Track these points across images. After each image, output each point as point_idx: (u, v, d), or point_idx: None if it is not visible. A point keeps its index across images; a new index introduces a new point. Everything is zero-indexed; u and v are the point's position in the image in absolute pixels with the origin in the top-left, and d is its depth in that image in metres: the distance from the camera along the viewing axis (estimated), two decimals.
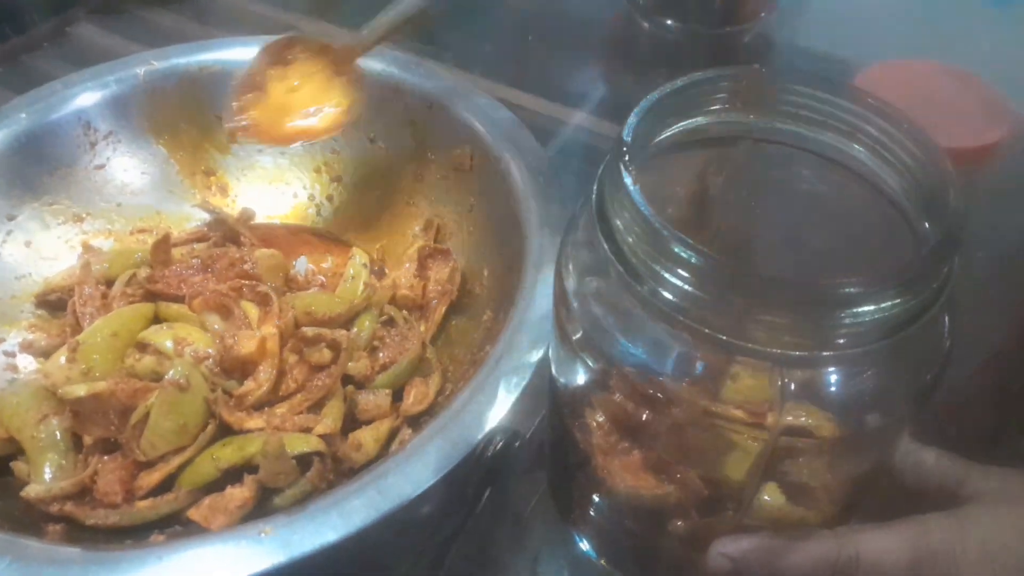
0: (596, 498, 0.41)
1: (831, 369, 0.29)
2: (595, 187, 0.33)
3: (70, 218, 0.58)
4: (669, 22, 0.76)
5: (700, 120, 0.34)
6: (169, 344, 0.44)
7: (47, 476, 0.43)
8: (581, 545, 0.44)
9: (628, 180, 0.30)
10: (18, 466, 0.44)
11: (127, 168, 0.61)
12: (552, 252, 0.46)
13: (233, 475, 0.41)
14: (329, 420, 0.42)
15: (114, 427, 0.41)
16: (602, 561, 0.44)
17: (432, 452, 0.38)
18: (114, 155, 0.60)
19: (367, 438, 0.43)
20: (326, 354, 0.44)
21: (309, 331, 0.44)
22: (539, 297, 0.44)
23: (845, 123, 0.32)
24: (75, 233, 0.58)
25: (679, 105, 0.33)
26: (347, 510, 0.36)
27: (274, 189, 0.63)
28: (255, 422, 0.42)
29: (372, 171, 0.62)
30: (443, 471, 0.38)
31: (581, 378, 0.37)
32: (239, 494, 0.39)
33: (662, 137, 0.34)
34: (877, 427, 0.31)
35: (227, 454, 0.41)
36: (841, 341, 0.27)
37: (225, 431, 0.43)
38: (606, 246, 0.31)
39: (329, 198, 0.63)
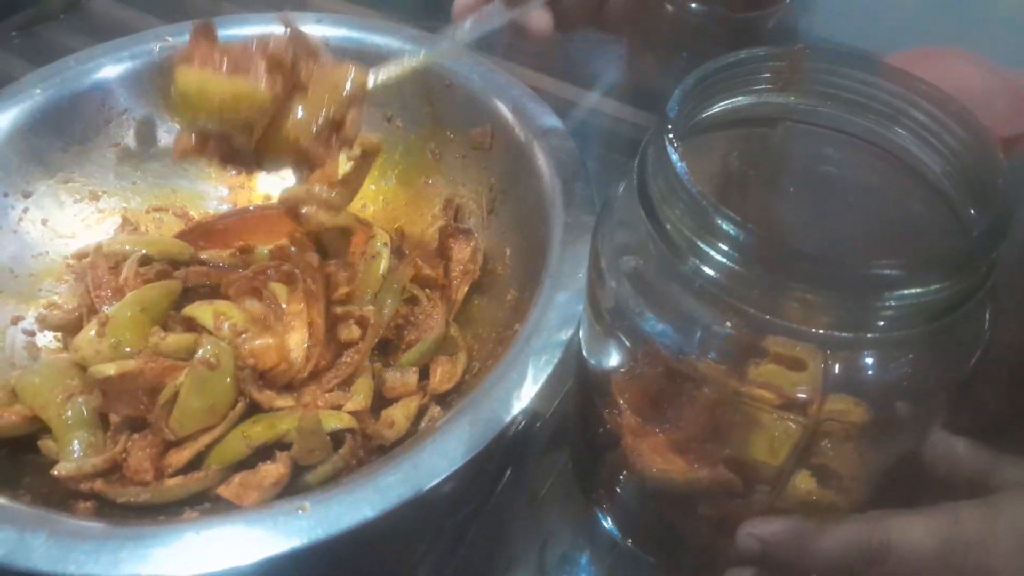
0: (623, 478, 0.41)
1: (872, 352, 0.29)
2: (636, 163, 0.33)
3: (86, 196, 0.58)
4: (693, 5, 0.75)
5: (741, 100, 0.34)
6: (210, 319, 0.44)
7: (76, 454, 0.43)
8: (604, 524, 0.45)
9: (674, 155, 0.29)
10: (46, 444, 0.44)
11: (143, 145, 0.60)
12: (577, 231, 0.47)
13: (262, 453, 0.41)
14: (360, 397, 0.43)
15: (143, 406, 0.41)
16: (628, 541, 0.44)
17: (464, 430, 0.38)
18: (129, 132, 0.59)
19: (399, 415, 0.43)
20: (355, 331, 0.44)
21: (338, 309, 0.44)
22: (566, 276, 0.44)
23: (889, 106, 0.32)
24: (91, 211, 0.58)
25: (722, 84, 0.33)
26: (383, 486, 0.36)
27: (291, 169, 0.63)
28: (284, 401, 0.42)
29: (390, 150, 0.61)
30: (475, 450, 0.38)
31: (613, 358, 0.37)
32: (274, 470, 0.39)
33: (704, 116, 0.33)
34: (915, 413, 0.31)
35: (258, 432, 0.41)
36: (885, 324, 0.27)
37: (254, 409, 0.43)
38: (647, 221, 0.31)
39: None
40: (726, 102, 0.34)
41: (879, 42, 0.60)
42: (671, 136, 0.30)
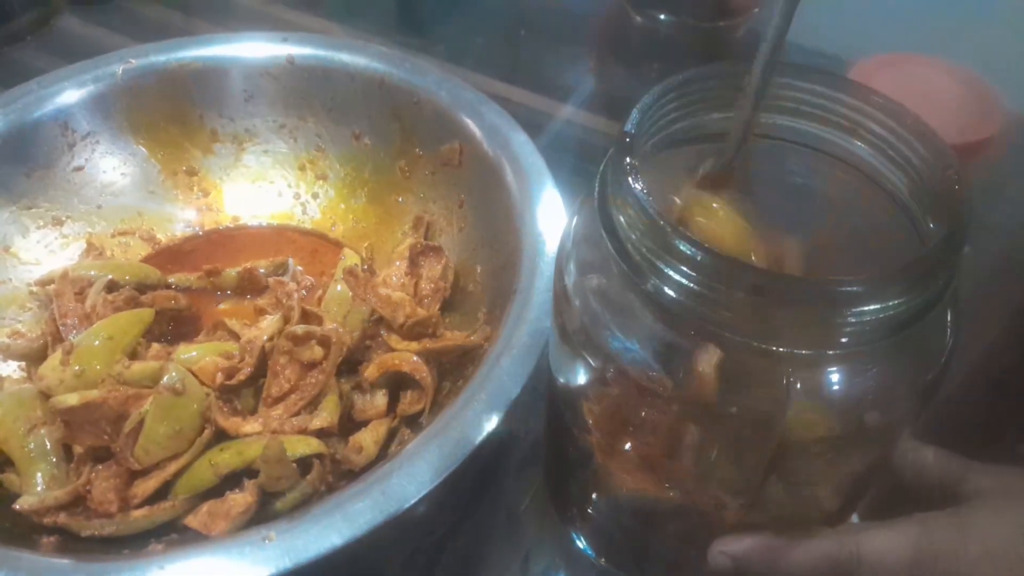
0: (595, 497, 0.41)
1: (835, 367, 0.29)
2: (597, 182, 0.33)
3: (49, 221, 0.57)
4: (661, 16, 0.76)
5: (701, 116, 0.34)
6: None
7: (39, 487, 0.42)
8: (578, 543, 0.44)
9: (631, 175, 0.29)
10: (8, 478, 0.43)
11: (107, 169, 0.59)
12: (547, 248, 0.46)
13: (231, 480, 0.41)
14: (325, 414, 0.42)
15: (107, 436, 0.40)
16: (601, 560, 0.44)
17: (434, 453, 0.38)
18: (93, 156, 0.59)
19: (367, 440, 0.42)
20: (317, 351, 0.43)
21: (299, 329, 0.44)
22: (537, 294, 0.44)
23: (847, 119, 0.32)
24: (55, 237, 0.57)
25: (681, 100, 0.33)
26: (351, 513, 0.36)
27: (258, 188, 0.62)
28: (251, 426, 0.41)
29: (358, 168, 0.61)
30: (446, 472, 0.37)
31: (581, 376, 0.37)
32: (242, 499, 0.38)
33: (663, 133, 0.33)
34: (881, 425, 0.30)
35: (226, 459, 0.40)
36: (846, 339, 0.27)
37: (222, 436, 0.42)
38: (608, 242, 0.31)
39: (315, 196, 0.62)
40: (686, 119, 0.34)
41: (847, 48, 0.60)
42: (628, 156, 0.30)
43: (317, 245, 0.60)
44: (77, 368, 0.44)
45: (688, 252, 0.27)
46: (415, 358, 0.46)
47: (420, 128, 0.58)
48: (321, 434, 0.42)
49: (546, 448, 0.46)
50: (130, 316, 0.48)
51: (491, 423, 0.39)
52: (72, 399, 0.39)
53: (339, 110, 0.61)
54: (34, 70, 0.58)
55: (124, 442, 0.40)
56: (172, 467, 0.40)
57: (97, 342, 0.45)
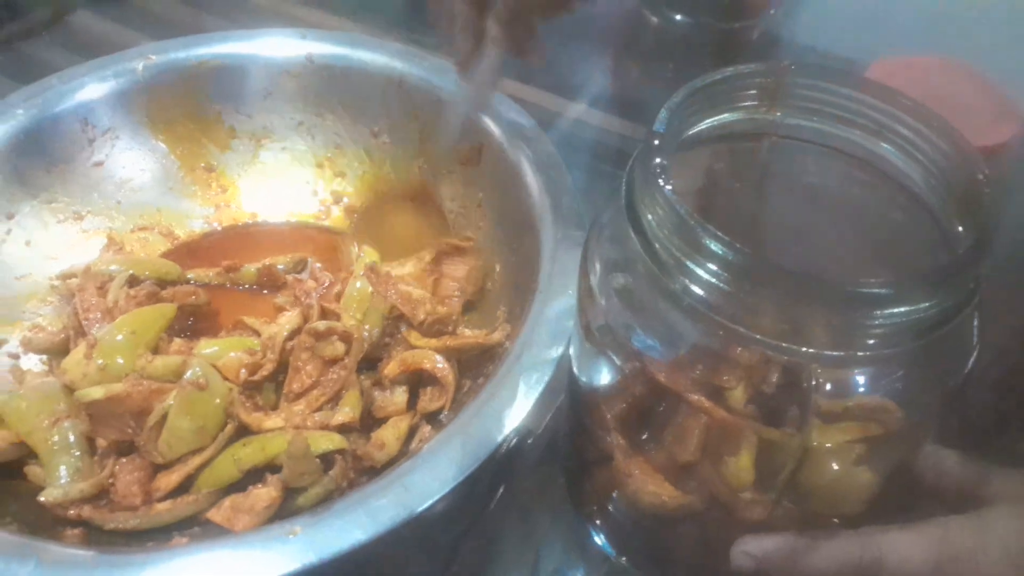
0: (614, 496, 0.41)
1: (862, 370, 0.29)
2: (624, 181, 0.33)
3: (69, 216, 0.57)
4: (677, 17, 0.75)
5: (728, 116, 0.34)
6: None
7: (63, 480, 0.42)
8: (597, 540, 0.45)
9: (661, 175, 0.29)
10: (32, 470, 0.43)
11: (126, 165, 0.60)
12: (565, 246, 0.46)
13: (253, 475, 0.41)
14: (348, 409, 0.42)
15: (131, 430, 0.41)
16: (622, 559, 0.44)
17: (456, 450, 0.38)
18: (113, 151, 0.59)
19: (389, 437, 0.43)
20: (339, 347, 0.44)
21: (321, 325, 0.44)
22: (556, 292, 0.44)
23: (873, 121, 0.32)
24: (75, 232, 0.57)
25: (708, 100, 0.33)
26: (374, 509, 0.36)
27: (276, 185, 0.63)
28: (273, 421, 0.41)
29: (378, 166, 0.61)
30: (468, 470, 0.38)
31: (604, 375, 0.37)
32: (266, 494, 0.39)
33: (691, 132, 0.33)
34: (906, 428, 0.30)
35: (248, 454, 0.40)
36: (874, 342, 0.27)
37: (244, 431, 0.43)
38: (636, 241, 0.31)
39: (333, 194, 0.62)
40: (713, 118, 0.34)
41: (863, 50, 0.60)
42: (658, 155, 0.30)
43: (335, 242, 0.60)
44: (100, 362, 0.44)
45: (719, 251, 0.27)
46: (437, 356, 0.46)
47: (439, 127, 0.58)
48: (343, 429, 0.43)
49: (566, 446, 0.46)
50: (152, 311, 0.48)
51: (512, 421, 0.39)
52: (97, 392, 0.40)
53: (357, 108, 0.61)
54: (48, 65, 0.58)
55: (148, 436, 0.40)
56: (195, 461, 0.41)
57: (120, 337, 0.46)
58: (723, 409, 0.31)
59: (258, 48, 0.61)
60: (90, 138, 0.58)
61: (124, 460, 0.41)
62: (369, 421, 0.45)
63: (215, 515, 0.39)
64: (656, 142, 0.31)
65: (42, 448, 0.43)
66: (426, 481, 0.37)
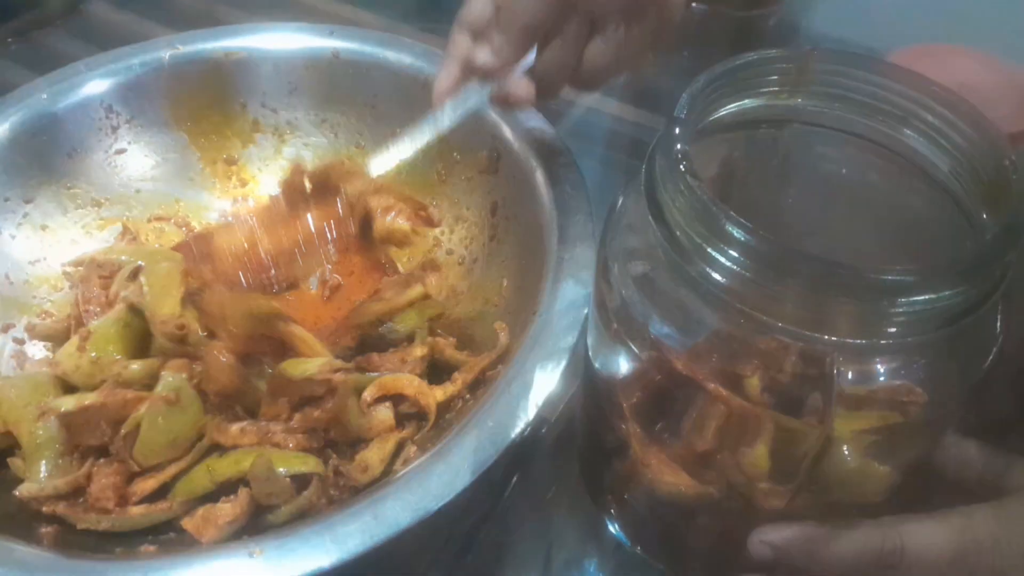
0: (631, 485, 0.40)
1: (884, 358, 0.28)
2: (644, 168, 0.32)
3: (88, 202, 0.57)
4: (694, 4, 0.74)
5: (749, 102, 0.33)
6: None
7: (42, 475, 0.41)
8: (611, 529, 0.44)
9: (682, 160, 0.29)
10: (15, 462, 0.43)
11: (148, 154, 0.59)
12: (573, 267, 0.44)
13: (230, 487, 0.40)
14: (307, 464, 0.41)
15: (107, 437, 0.40)
16: (637, 548, 0.43)
17: (469, 448, 0.37)
18: (135, 140, 0.59)
19: (373, 459, 0.41)
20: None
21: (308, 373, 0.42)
22: (569, 281, 0.43)
23: (898, 108, 0.31)
24: (92, 218, 0.57)
25: (730, 86, 0.32)
26: (340, 535, 0.35)
27: None
28: (248, 438, 0.40)
29: (396, 167, 0.60)
30: (483, 466, 0.37)
31: (622, 364, 0.36)
32: (229, 509, 0.38)
33: (712, 118, 0.33)
34: (928, 417, 0.30)
35: (222, 467, 0.39)
36: (898, 330, 0.27)
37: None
38: (656, 228, 0.30)
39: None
40: (734, 104, 0.33)
41: (881, 39, 0.58)
42: (679, 142, 0.29)
43: (348, 243, 0.59)
44: (93, 355, 0.44)
45: (741, 237, 0.27)
46: (417, 381, 0.45)
47: (460, 132, 0.56)
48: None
49: (582, 435, 0.45)
50: None
51: (527, 414, 0.38)
52: (69, 403, 0.39)
53: (381, 107, 0.60)
54: (63, 55, 0.59)
55: (122, 444, 0.39)
56: (171, 469, 0.40)
57: (114, 329, 0.45)
58: (742, 398, 0.30)
59: (285, 42, 0.60)
60: (113, 126, 0.58)
61: (101, 462, 0.41)
62: (352, 438, 0.44)
63: (188, 523, 0.38)
64: (677, 128, 0.30)
65: (26, 440, 0.42)
66: (396, 510, 0.36)
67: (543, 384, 0.39)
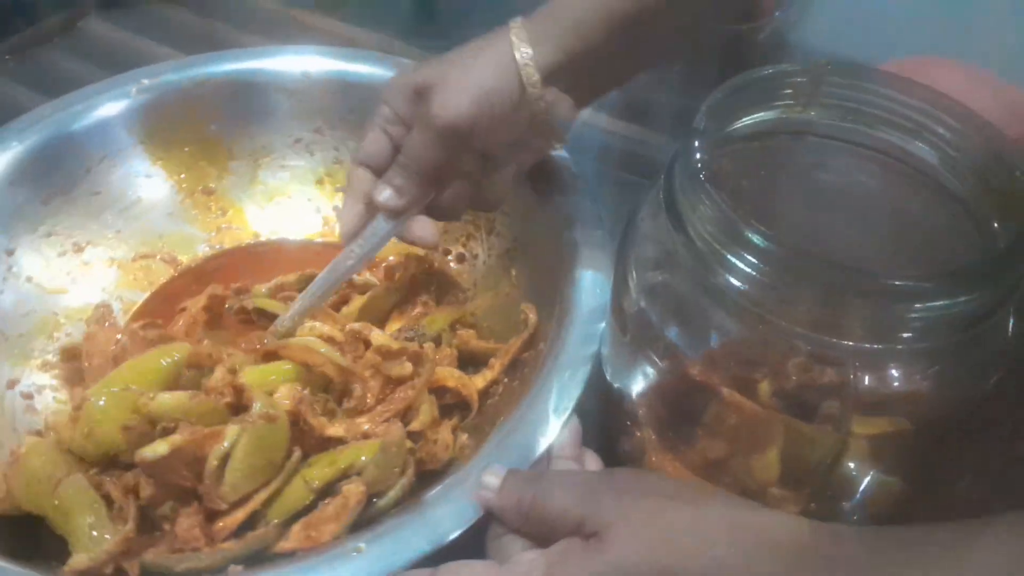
0: None
1: (900, 364, 0.29)
2: (664, 178, 0.33)
3: (70, 248, 0.56)
4: None
5: (764, 115, 0.35)
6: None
7: (88, 542, 0.38)
8: None
9: (702, 171, 0.30)
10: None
11: (124, 192, 0.58)
12: (586, 246, 0.47)
13: (321, 496, 0.40)
14: (425, 416, 0.43)
15: (187, 480, 0.39)
16: None
17: (509, 455, 0.38)
18: (110, 179, 0.58)
19: (448, 438, 0.43)
20: (407, 367, 0.43)
21: (394, 344, 0.44)
22: (586, 294, 0.44)
23: (910, 120, 0.33)
24: (76, 264, 0.56)
25: (746, 99, 0.34)
26: (432, 520, 0.36)
27: (277, 204, 0.62)
28: (335, 429, 0.41)
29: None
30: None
31: (638, 372, 0.37)
32: (355, 490, 0.38)
33: (728, 130, 0.34)
34: (939, 423, 0.31)
35: (319, 472, 0.39)
36: (913, 335, 0.28)
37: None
38: (675, 237, 0.31)
39: (336, 209, 0.62)
40: (750, 117, 0.34)
41: (871, 52, 0.61)
42: (699, 152, 0.31)
43: None
44: (86, 429, 0.40)
45: (761, 245, 0.28)
46: (457, 373, 0.47)
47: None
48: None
49: (594, 445, 0.46)
50: (156, 356, 0.43)
51: (557, 424, 0.39)
52: (161, 448, 0.37)
53: (357, 122, 0.60)
54: (60, 71, 0.57)
55: (211, 481, 0.38)
56: (261, 496, 0.39)
57: (102, 401, 0.40)
58: (758, 404, 0.31)
59: (254, 67, 0.60)
60: (86, 167, 0.57)
61: (180, 508, 0.39)
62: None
63: (287, 545, 0.38)
64: (697, 140, 0.31)
65: (53, 514, 0.39)
66: (518, 456, 0.38)
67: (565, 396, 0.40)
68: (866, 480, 0.35)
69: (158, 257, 0.59)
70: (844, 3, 0.74)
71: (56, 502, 0.39)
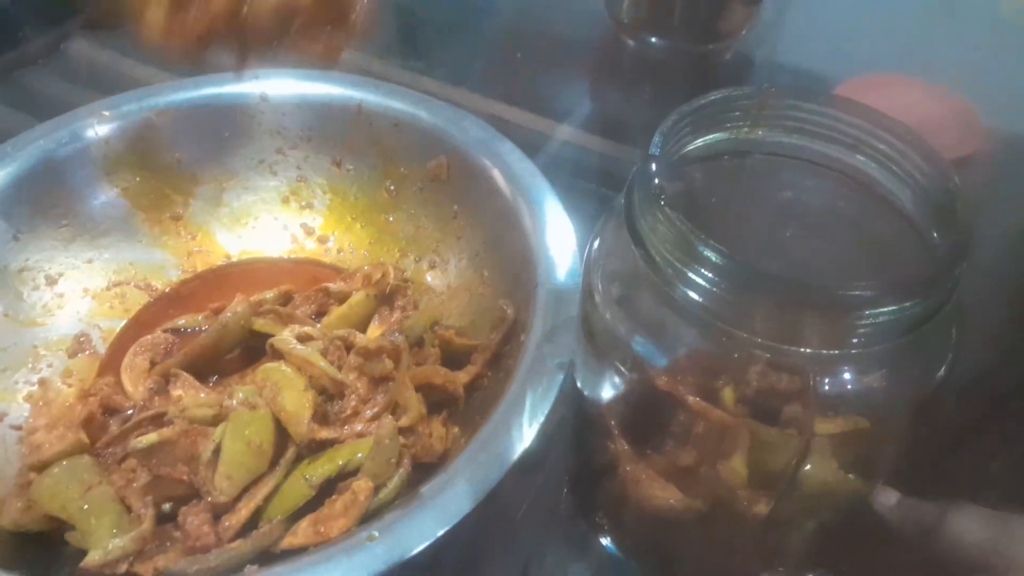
0: (622, 502, 0.42)
1: (850, 368, 0.31)
2: (623, 198, 0.35)
3: (43, 281, 0.57)
4: (653, 39, 0.78)
5: (715, 136, 0.36)
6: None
7: (105, 540, 0.41)
8: (604, 544, 0.46)
9: (659, 194, 0.31)
10: (73, 536, 0.42)
11: (92, 224, 0.59)
12: (554, 238, 0.50)
13: (321, 494, 0.42)
14: (414, 411, 0.44)
15: (185, 474, 0.41)
16: (633, 563, 0.46)
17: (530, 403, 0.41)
18: (77, 212, 0.58)
19: (437, 428, 0.45)
20: (388, 364, 0.45)
21: (371, 343, 0.45)
22: (558, 261, 0.48)
23: (850, 136, 0.35)
24: (51, 296, 0.57)
25: (697, 123, 0.35)
26: (440, 504, 0.38)
27: (245, 226, 0.64)
28: (328, 432, 0.43)
29: (343, 194, 0.63)
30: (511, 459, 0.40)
31: (608, 384, 0.38)
32: (363, 485, 0.40)
33: (682, 152, 0.36)
34: (893, 421, 0.33)
35: (319, 468, 0.41)
36: (862, 340, 0.29)
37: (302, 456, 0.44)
38: (637, 254, 0.33)
39: (303, 226, 0.64)
40: (701, 139, 0.36)
41: (833, 70, 0.64)
42: (656, 176, 0.32)
43: (314, 272, 0.62)
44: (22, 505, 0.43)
45: (717, 261, 0.29)
46: (443, 370, 0.49)
47: (402, 149, 0.61)
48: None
49: (571, 456, 0.47)
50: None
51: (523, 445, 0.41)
52: (150, 438, 0.40)
53: (317, 140, 0.63)
54: (45, 93, 0.57)
55: (205, 472, 0.40)
56: (261, 491, 0.41)
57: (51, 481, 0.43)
58: (721, 410, 0.33)
59: (211, 93, 0.61)
60: (53, 202, 0.57)
61: (184, 507, 0.41)
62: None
63: (294, 540, 0.40)
64: (653, 165, 0.32)
65: (77, 516, 0.42)
66: (485, 469, 0.39)
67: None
68: (828, 477, 0.36)
69: (132, 284, 0.60)
70: (808, 23, 0.78)
71: (85, 506, 0.42)
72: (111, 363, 0.55)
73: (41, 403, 0.50)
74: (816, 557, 0.40)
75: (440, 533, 0.37)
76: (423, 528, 0.38)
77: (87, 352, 0.56)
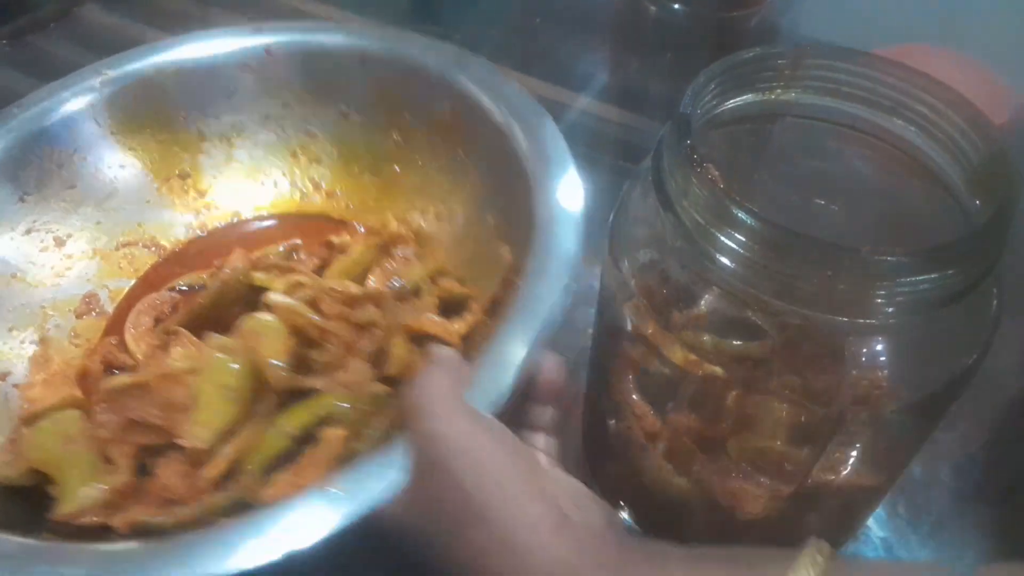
0: (639, 476, 0.41)
1: (886, 339, 0.29)
2: (651, 160, 0.33)
3: (51, 243, 0.56)
4: (676, 6, 0.76)
5: (747, 97, 0.34)
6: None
7: (79, 490, 0.40)
8: (623, 518, 0.45)
9: (691, 154, 0.30)
10: (56, 490, 0.42)
11: (99, 184, 0.59)
12: (560, 182, 0.46)
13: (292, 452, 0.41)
14: (399, 359, 0.43)
15: (159, 419, 0.40)
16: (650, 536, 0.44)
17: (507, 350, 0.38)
18: (83, 173, 0.58)
19: None
20: (372, 311, 0.43)
21: (355, 289, 0.44)
22: (559, 203, 0.44)
23: (888, 99, 0.33)
24: (59, 258, 0.57)
25: (729, 83, 0.33)
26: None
27: (254, 182, 0.62)
28: (313, 381, 0.41)
29: (351, 146, 0.61)
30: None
31: (630, 356, 0.37)
32: (333, 434, 0.38)
33: (712, 114, 0.34)
34: (929, 397, 0.31)
35: (296, 419, 0.40)
36: (899, 309, 0.28)
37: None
38: (665, 218, 0.31)
39: (312, 180, 0.62)
40: (732, 100, 0.34)
41: (860, 40, 0.60)
42: (687, 134, 0.30)
43: (323, 227, 0.60)
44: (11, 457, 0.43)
45: (749, 223, 0.28)
46: (438, 319, 0.46)
47: (408, 96, 0.58)
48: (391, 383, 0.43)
49: (588, 431, 0.46)
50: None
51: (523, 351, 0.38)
52: (123, 379, 0.40)
53: (323, 92, 0.61)
54: (57, 57, 0.58)
55: (179, 417, 0.39)
56: (237, 443, 0.40)
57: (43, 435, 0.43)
58: (750, 381, 0.32)
59: (215, 48, 0.60)
60: (59, 163, 0.57)
61: (161, 459, 0.40)
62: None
63: (272, 494, 0.38)
64: (684, 123, 0.31)
65: (55, 469, 0.42)
66: (488, 386, 0.36)
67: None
68: (855, 455, 0.34)
69: (140, 244, 0.59)
70: None
71: (63, 455, 0.42)
72: (117, 323, 0.55)
73: (42, 359, 0.50)
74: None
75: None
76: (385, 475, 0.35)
77: (95, 313, 0.56)
